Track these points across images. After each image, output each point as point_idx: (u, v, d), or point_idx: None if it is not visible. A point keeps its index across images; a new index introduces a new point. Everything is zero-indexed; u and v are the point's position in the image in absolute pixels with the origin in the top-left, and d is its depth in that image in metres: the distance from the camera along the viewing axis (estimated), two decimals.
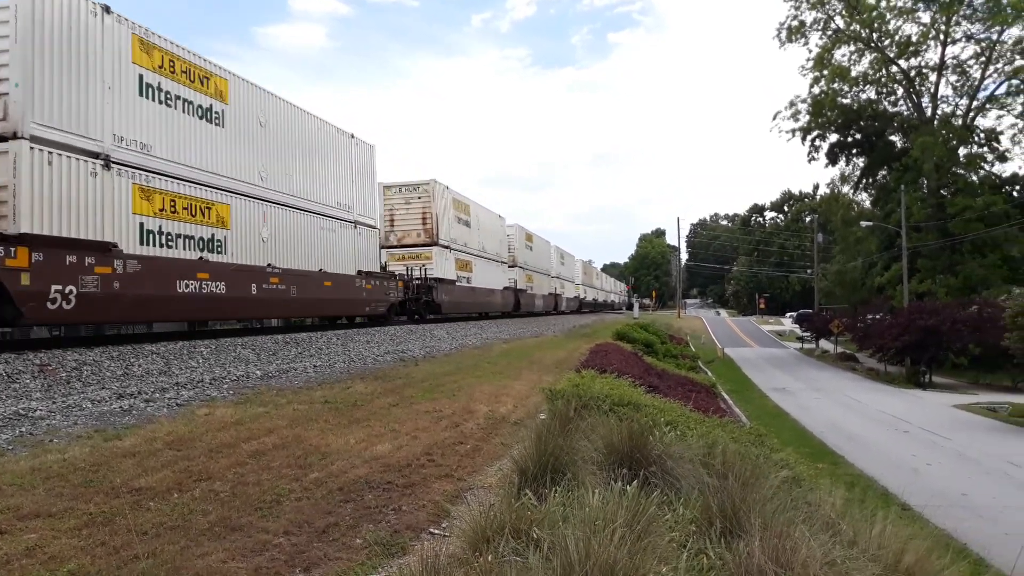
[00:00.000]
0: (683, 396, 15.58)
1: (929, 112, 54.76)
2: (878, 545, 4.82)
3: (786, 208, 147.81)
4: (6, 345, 12.97)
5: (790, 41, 57.77)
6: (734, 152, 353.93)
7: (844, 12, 55.12)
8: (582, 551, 3.69)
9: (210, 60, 17.01)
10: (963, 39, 53.31)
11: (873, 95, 58.13)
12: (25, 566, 4.16)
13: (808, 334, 63.45)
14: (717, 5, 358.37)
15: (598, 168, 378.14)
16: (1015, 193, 54.22)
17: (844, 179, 65.57)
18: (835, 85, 56.36)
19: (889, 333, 40.20)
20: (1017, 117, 52.19)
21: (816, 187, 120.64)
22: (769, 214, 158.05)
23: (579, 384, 10.30)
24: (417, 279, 30.19)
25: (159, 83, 15.24)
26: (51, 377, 10.15)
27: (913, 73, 55.26)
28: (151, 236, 14.78)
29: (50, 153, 12.36)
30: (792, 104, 59.16)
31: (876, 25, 53.95)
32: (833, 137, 60.73)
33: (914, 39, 53.73)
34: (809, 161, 65.83)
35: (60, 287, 12.12)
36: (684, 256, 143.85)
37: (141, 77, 14.73)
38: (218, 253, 16.79)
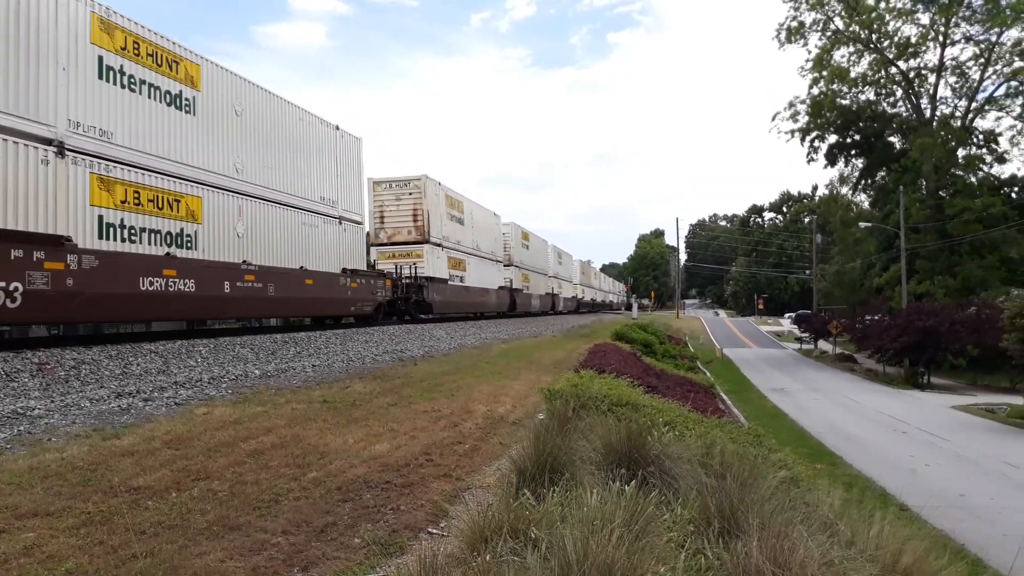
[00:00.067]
0: (681, 396, 15.58)
1: (928, 113, 54.90)
2: (876, 545, 4.83)
3: (785, 209, 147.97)
4: (4, 344, 12.96)
5: (789, 42, 57.95)
6: (733, 153, 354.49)
7: (843, 13, 55.25)
8: (580, 551, 3.69)
9: (180, 44, 16.08)
10: (962, 40, 53.54)
11: (872, 96, 58.36)
12: (23, 565, 4.16)
13: (807, 335, 63.52)
14: (717, 6, 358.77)
15: (598, 168, 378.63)
16: (1014, 195, 54.33)
17: (843, 180, 65.86)
18: (834, 86, 56.52)
19: (888, 334, 40.26)
20: (1016, 119, 52.44)
21: (815, 188, 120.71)
22: (768, 215, 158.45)
23: (578, 384, 10.31)
24: (407, 278, 29.34)
25: (121, 66, 14.24)
26: (49, 376, 10.15)
27: (912, 74, 55.40)
28: (111, 230, 13.88)
29: None
30: (791, 105, 59.41)
31: (875, 26, 54.10)
32: (832, 138, 60.97)
33: (913, 40, 53.95)
34: (808, 162, 66.03)
35: (4, 284, 11.24)
36: (683, 257, 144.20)
37: (101, 59, 13.76)
38: (188, 249, 15.94)
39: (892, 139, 59.52)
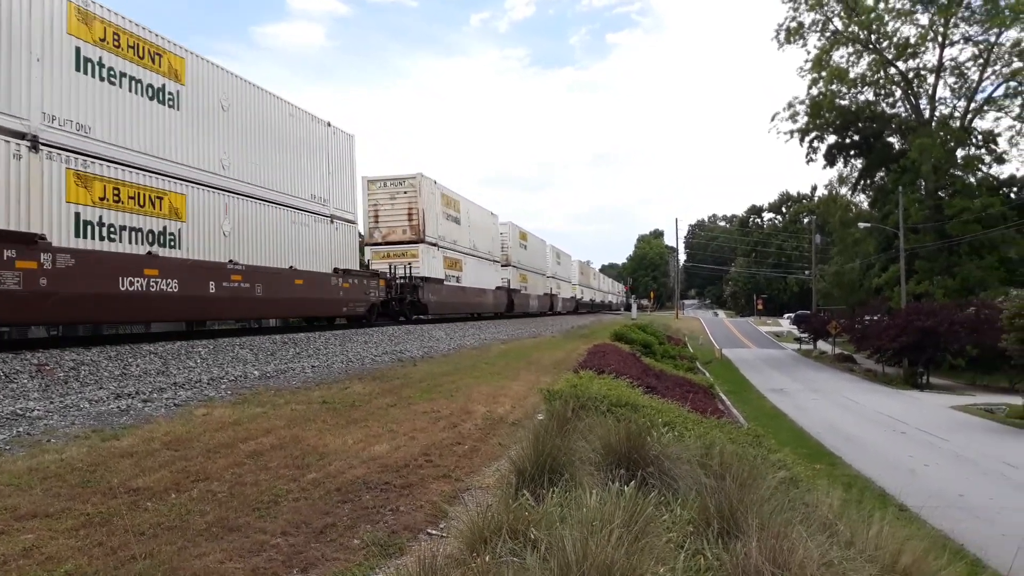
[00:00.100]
0: (681, 397, 15.59)
1: (927, 114, 54.95)
2: (875, 546, 4.83)
3: (784, 209, 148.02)
4: (4, 345, 12.94)
5: (788, 42, 57.99)
6: (733, 153, 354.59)
7: (842, 14, 55.31)
8: (579, 552, 3.69)
9: (163, 36, 15.50)
10: (961, 41, 53.61)
11: (871, 96, 58.40)
12: (22, 567, 4.16)
13: (806, 335, 63.52)
14: (716, 6, 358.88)
15: (598, 168, 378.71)
16: (1013, 195, 54.38)
17: (842, 180, 65.87)
18: (833, 86, 56.56)
19: (887, 334, 40.27)
20: (1015, 119, 52.49)
21: (814, 188, 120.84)
22: (767, 215, 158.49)
23: (577, 385, 10.31)
24: (402, 278, 28.63)
25: (100, 58, 13.67)
26: (49, 377, 10.14)
27: (911, 75, 55.45)
28: (89, 228, 13.31)
29: None
30: (790, 105, 59.48)
31: (874, 27, 54.14)
32: (831, 138, 61.01)
33: (912, 41, 54.00)
34: (807, 162, 66.05)
35: None
36: (682, 257, 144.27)
37: (78, 50, 13.19)
38: (171, 248, 15.38)
39: (891, 139, 59.59)
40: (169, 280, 14.74)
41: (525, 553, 3.95)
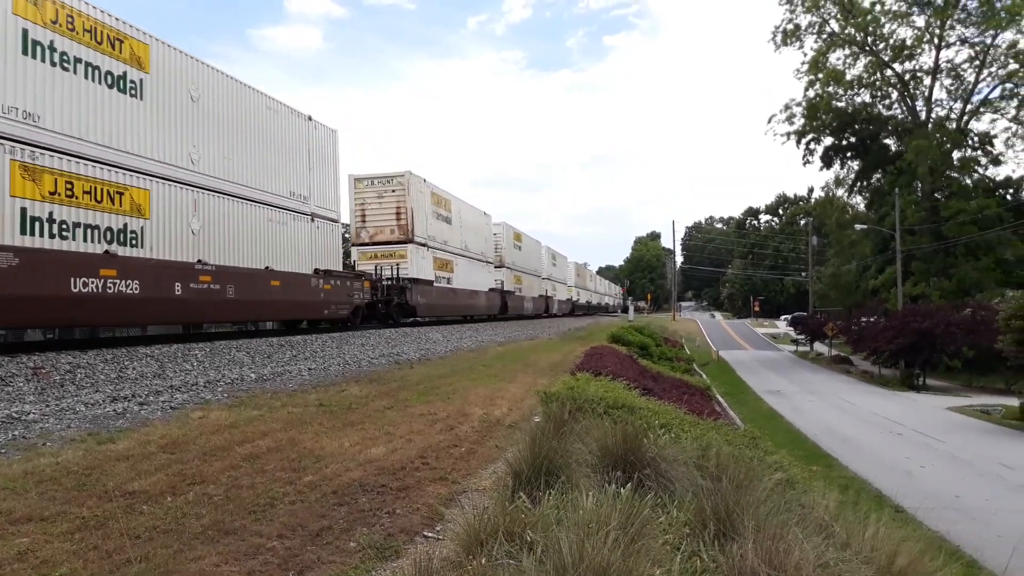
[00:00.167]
0: (678, 399, 15.62)
1: (923, 116, 55.09)
2: (871, 547, 4.84)
3: (781, 211, 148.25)
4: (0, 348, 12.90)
5: (785, 44, 58.08)
6: (730, 155, 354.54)
7: (839, 16, 55.44)
8: (575, 554, 3.69)
9: (125, 21, 14.50)
10: (957, 43, 53.76)
11: (868, 98, 58.55)
12: (17, 570, 4.15)
13: (802, 337, 63.57)
14: (713, 9, 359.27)
15: (595, 170, 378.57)
16: (1008, 196, 54.52)
17: (839, 182, 66.00)
18: (830, 88, 56.69)
19: (883, 336, 40.32)
20: (1011, 121, 52.65)
21: (811, 190, 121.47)
22: (764, 217, 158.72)
23: (574, 387, 10.32)
24: (388, 279, 27.64)
25: (52, 41, 12.69)
26: (44, 380, 10.12)
27: (907, 77, 55.59)
28: (37, 224, 12.31)
29: None
30: (787, 107, 59.56)
31: (871, 29, 54.28)
32: (828, 140, 61.12)
33: (908, 43, 54.15)
34: (804, 164, 66.18)
35: None
36: (679, 259, 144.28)
37: (26, 32, 12.21)
38: (132, 246, 14.32)
39: (888, 141, 59.72)
40: (129, 281, 13.77)
41: (521, 555, 3.95)
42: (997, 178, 55.92)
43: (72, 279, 12.54)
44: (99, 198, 13.63)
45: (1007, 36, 50.63)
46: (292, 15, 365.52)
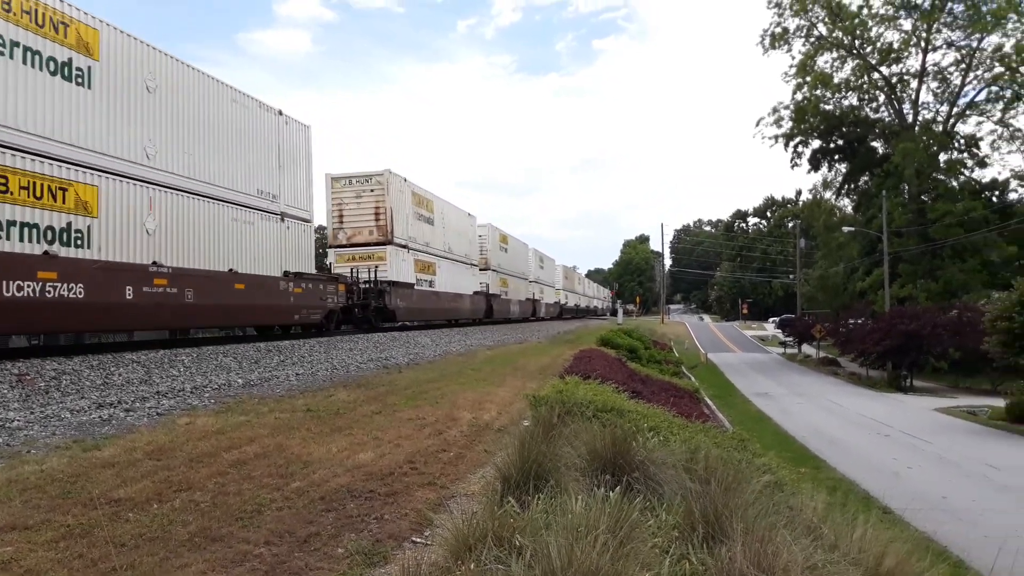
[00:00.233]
0: (666, 402, 15.65)
1: (910, 118, 55.46)
2: (859, 549, 4.86)
3: (769, 214, 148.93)
4: None
5: (773, 48, 58.35)
6: (718, 158, 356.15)
7: (827, 19, 55.72)
8: (564, 558, 3.68)
9: (71, 3, 13.48)
10: (944, 46, 54.19)
11: (855, 101, 58.89)
12: None
13: (790, 339, 63.83)
14: (701, 12, 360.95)
15: (584, 173, 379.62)
16: (994, 199, 54.94)
17: (826, 185, 66.34)
18: (818, 91, 56.94)
19: (871, 338, 40.54)
20: (996, 124, 53.07)
21: (799, 193, 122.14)
22: (752, 220, 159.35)
23: (563, 390, 10.34)
24: (366, 282, 26.48)
25: None
26: (29, 387, 10.04)
27: (895, 80, 55.99)
28: None
29: None
30: (775, 110, 59.78)
31: (858, 32, 54.64)
32: (815, 143, 61.40)
33: (896, 46, 54.53)
34: (792, 167, 66.51)
35: None
36: (668, 262, 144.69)
37: None
38: (77, 247, 13.27)
39: (875, 144, 60.09)
40: (72, 285, 12.70)
41: (510, 560, 3.94)
42: (983, 180, 56.46)
43: (4, 282, 11.53)
44: (39, 194, 12.59)
45: (992, 39, 51.13)
46: (281, 19, 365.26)
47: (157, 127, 15.67)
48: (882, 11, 54.23)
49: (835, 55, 57.15)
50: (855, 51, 55.81)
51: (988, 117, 53.51)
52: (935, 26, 52.55)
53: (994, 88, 52.33)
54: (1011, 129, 52.40)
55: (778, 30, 57.64)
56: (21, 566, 4.28)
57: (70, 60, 13.35)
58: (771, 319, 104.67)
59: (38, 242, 12.52)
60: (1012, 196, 55.51)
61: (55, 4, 13.11)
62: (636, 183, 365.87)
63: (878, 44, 55.05)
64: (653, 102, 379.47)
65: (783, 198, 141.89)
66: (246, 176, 19.10)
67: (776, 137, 60.00)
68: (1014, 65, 49.88)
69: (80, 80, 13.59)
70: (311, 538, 5.05)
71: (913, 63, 55.25)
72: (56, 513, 5.16)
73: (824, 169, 63.71)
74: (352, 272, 26.30)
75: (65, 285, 12.55)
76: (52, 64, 12.95)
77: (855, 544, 4.92)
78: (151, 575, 4.24)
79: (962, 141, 55.38)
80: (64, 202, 13.12)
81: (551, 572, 3.65)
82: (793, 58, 58.82)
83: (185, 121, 16.69)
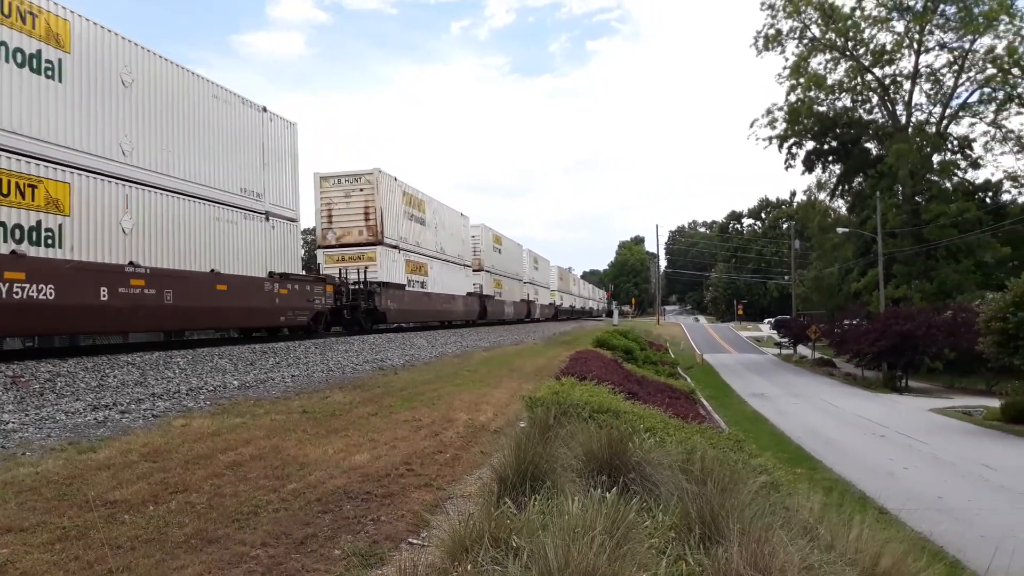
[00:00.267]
0: (662, 402, 15.64)
1: (904, 120, 55.52)
2: (855, 549, 4.86)
3: (763, 215, 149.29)
4: None
5: (767, 49, 58.31)
6: (712, 159, 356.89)
7: (820, 21, 55.74)
8: (561, 559, 3.68)
9: None
10: (936, 48, 54.21)
11: (849, 103, 58.89)
12: None
13: (786, 340, 63.86)
14: (695, 14, 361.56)
15: (579, 175, 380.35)
16: (988, 200, 55.09)
17: (820, 186, 66.27)
18: (811, 93, 56.96)
19: (866, 338, 40.60)
20: (989, 125, 53.20)
21: (793, 194, 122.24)
22: (747, 221, 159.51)
23: (559, 391, 10.33)
24: (355, 283, 26.07)
25: None
26: (24, 389, 10.01)
27: (888, 81, 56.04)
28: None
29: None
30: (769, 112, 59.75)
31: (851, 34, 54.66)
32: (809, 144, 61.35)
33: (888, 48, 54.57)
34: (786, 168, 66.39)
35: None
36: (663, 263, 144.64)
37: None
38: (48, 246, 12.86)
39: (869, 145, 60.12)
40: (41, 285, 12.29)
41: (507, 561, 3.94)
42: (976, 181, 56.53)
43: None
44: (5, 191, 12.16)
45: (985, 41, 51.21)
46: (274, 21, 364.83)
47: (134, 123, 15.24)
48: (875, 13, 54.35)
49: (828, 57, 57.23)
50: (848, 53, 55.91)
51: (981, 118, 53.72)
52: (927, 28, 52.64)
53: (987, 90, 52.49)
54: (1004, 130, 52.58)
55: (771, 32, 57.70)
56: (17, 568, 4.26)
57: (39, 52, 12.93)
58: (766, 320, 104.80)
59: (5, 241, 12.16)
60: (1005, 197, 55.68)
61: None
62: (630, 184, 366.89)
63: (871, 46, 55.14)
64: (647, 103, 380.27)
65: (777, 199, 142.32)
66: (229, 174, 18.70)
67: (770, 138, 60.05)
68: (1006, 67, 50.02)
69: (50, 73, 13.16)
70: (308, 539, 5.04)
71: (906, 65, 55.40)
72: (52, 515, 5.15)
73: (818, 170, 63.77)
74: (340, 273, 25.94)
75: (34, 286, 12.20)
76: (20, 56, 12.54)
77: (851, 544, 4.93)
78: None
79: (955, 142, 55.53)
80: (33, 200, 12.71)
81: (548, 573, 3.65)
82: (786, 60, 58.83)
83: (163, 117, 16.25)
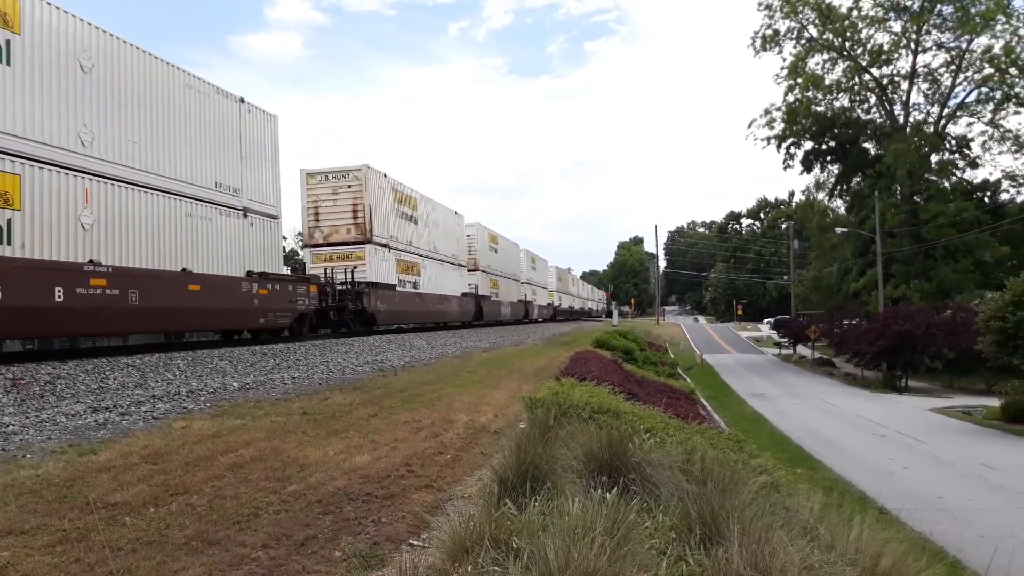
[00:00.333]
0: (662, 403, 15.63)
1: (901, 119, 55.59)
2: (856, 549, 4.87)
3: (762, 215, 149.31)
4: None
5: (764, 50, 58.36)
6: (711, 160, 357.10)
7: (817, 21, 55.79)
8: (562, 560, 3.68)
9: None
10: (933, 48, 54.29)
11: (847, 103, 58.95)
12: None
13: (785, 340, 63.90)
14: (692, 14, 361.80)
15: (577, 176, 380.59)
16: (986, 199, 55.14)
17: (819, 186, 66.30)
18: (809, 93, 56.98)
19: (865, 338, 40.62)
20: (987, 124, 53.25)
21: (791, 194, 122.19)
22: (745, 221, 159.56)
23: (559, 392, 10.33)
24: (342, 283, 25.06)
25: None
26: (24, 391, 10.01)
27: (885, 81, 56.10)
28: None
29: None
30: (767, 112, 59.78)
31: (848, 34, 54.74)
32: (808, 145, 61.40)
33: (886, 48, 54.65)
34: (784, 168, 66.46)
35: None
36: (662, 263, 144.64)
37: None
38: None
39: (867, 145, 60.17)
40: None
41: (507, 562, 3.94)
42: (975, 181, 56.60)
43: None
44: None
45: (982, 41, 51.28)
46: (272, 22, 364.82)
47: (94, 111, 14.18)
48: (872, 13, 54.42)
49: (826, 57, 57.29)
50: (845, 53, 55.94)
51: (979, 118, 53.77)
52: (924, 28, 52.68)
53: (984, 89, 52.55)
54: (1002, 130, 52.64)
55: (769, 32, 57.75)
56: (18, 570, 4.27)
57: None
58: (766, 320, 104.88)
59: None
60: (1003, 196, 55.75)
61: None
62: (629, 185, 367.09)
63: (868, 46, 55.20)
64: (645, 104, 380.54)
65: (776, 199, 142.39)
66: (203, 168, 17.71)
67: (768, 139, 60.07)
68: (1003, 66, 50.08)
69: None
70: (308, 541, 5.05)
71: (903, 64, 55.47)
72: (52, 517, 5.15)
73: (816, 170, 63.82)
74: (326, 272, 25.09)
75: None
76: None
77: (852, 544, 4.93)
78: None
79: (953, 142, 55.59)
80: None
81: (548, 574, 3.65)
82: (784, 60, 58.80)
83: (129, 106, 15.20)
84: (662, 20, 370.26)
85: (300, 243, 27.90)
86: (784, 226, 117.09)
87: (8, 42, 12.23)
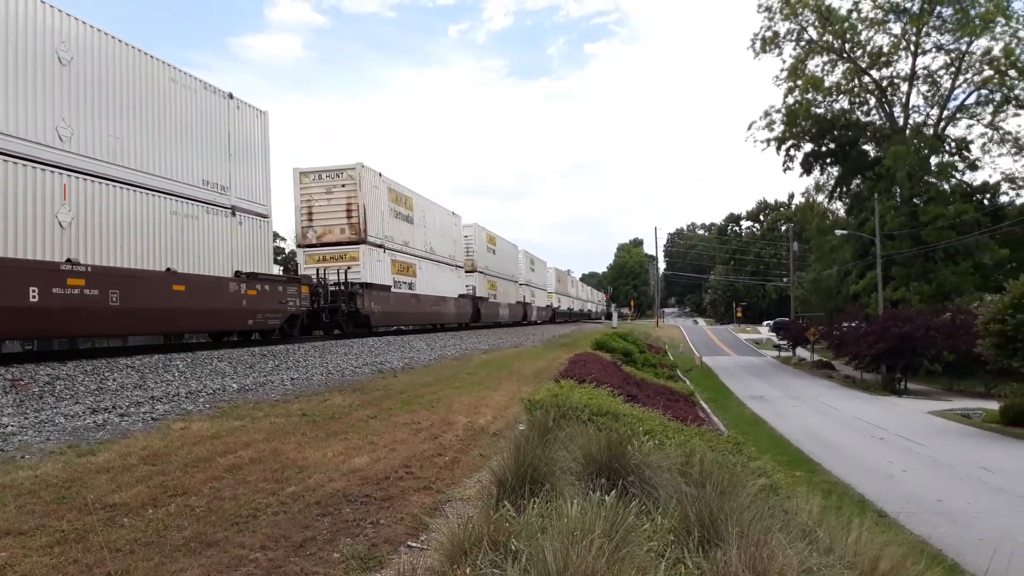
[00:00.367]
0: (662, 405, 15.63)
1: (901, 122, 55.61)
2: (854, 552, 4.87)
3: (762, 217, 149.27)
4: None
5: (764, 52, 58.39)
6: (710, 162, 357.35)
7: (816, 23, 55.81)
8: (560, 562, 3.68)
9: None
10: (933, 50, 54.33)
11: (846, 105, 58.96)
12: None
13: (785, 342, 63.94)
14: (692, 16, 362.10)
15: (576, 178, 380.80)
16: (985, 201, 55.15)
17: (819, 188, 66.32)
18: (809, 95, 57.01)
19: (864, 341, 40.64)
20: (986, 127, 53.28)
21: (791, 196, 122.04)
22: (745, 223, 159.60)
23: (558, 394, 10.32)
24: (335, 284, 24.59)
25: None
26: (23, 392, 10.00)
27: (885, 83, 56.12)
28: None
29: None
30: (767, 114, 59.78)
31: (848, 36, 54.76)
32: (807, 147, 61.43)
33: (885, 50, 54.69)
34: (784, 170, 66.51)
35: None
36: (662, 265, 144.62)
37: None
38: None
39: (866, 147, 60.18)
40: None
41: (506, 564, 3.94)
42: (974, 183, 56.57)
43: None
44: None
45: (981, 43, 51.32)
46: (272, 24, 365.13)
47: (73, 105, 13.62)
48: (871, 15, 54.44)
49: (825, 59, 57.33)
50: (845, 54, 55.98)
51: (978, 120, 53.80)
52: (924, 30, 52.72)
53: (984, 91, 52.62)
54: (1001, 132, 52.69)
55: (768, 34, 57.78)
56: (16, 571, 4.26)
57: None
58: (765, 322, 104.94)
59: None
60: (1003, 199, 55.77)
61: None
62: (628, 187, 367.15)
63: (868, 48, 55.24)
64: (644, 106, 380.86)
65: (776, 201, 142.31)
66: (189, 165, 17.14)
67: (768, 141, 60.07)
68: (1003, 68, 50.10)
69: None
70: (307, 543, 5.04)
71: (903, 66, 55.50)
72: (51, 518, 5.14)
73: (816, 172, 63.83)
74: (318, 272, 24.71)
75: None
76: None
77: (850, 548, 4.93)
78: None
79: (953, 144, 55.62)
80: None
81: None
82: (784, 62, 58.75)
83: (110, 100, 14.66)
84: (662, 22, 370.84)
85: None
86: (784, 228, 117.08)
87: None
